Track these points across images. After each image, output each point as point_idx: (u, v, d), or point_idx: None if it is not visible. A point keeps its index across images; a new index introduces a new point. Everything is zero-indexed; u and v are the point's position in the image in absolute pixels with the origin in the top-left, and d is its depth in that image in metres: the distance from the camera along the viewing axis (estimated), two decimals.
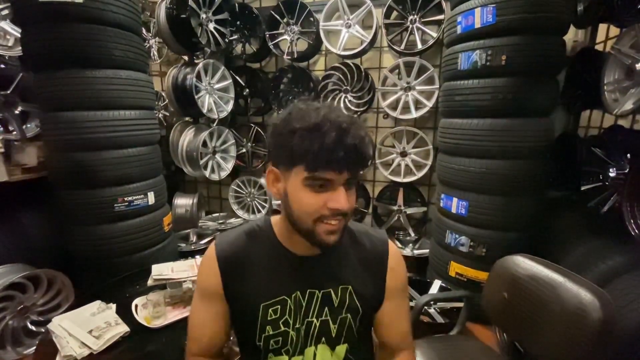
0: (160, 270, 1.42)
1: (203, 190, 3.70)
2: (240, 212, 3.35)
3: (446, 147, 1.99)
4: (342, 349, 0.74)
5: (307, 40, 2.79)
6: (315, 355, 0.73)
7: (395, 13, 2.49)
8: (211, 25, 2.64)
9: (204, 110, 2.66)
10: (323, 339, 0.73)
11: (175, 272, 1.43)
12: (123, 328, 1.25)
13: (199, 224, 3.21)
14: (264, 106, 3.12)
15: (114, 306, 1.41)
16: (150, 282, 1.37)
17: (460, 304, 1.62)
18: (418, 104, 2.54)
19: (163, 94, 3.29)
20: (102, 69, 1.77)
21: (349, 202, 0.63)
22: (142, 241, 2.05)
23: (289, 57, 2.78)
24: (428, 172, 2.70)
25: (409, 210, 2.82)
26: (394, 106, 2.61)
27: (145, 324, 1.27)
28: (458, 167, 1.88)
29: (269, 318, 0.70)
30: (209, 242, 2.84)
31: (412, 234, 2.81)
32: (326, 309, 0.72)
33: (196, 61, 2.76)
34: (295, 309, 0.71)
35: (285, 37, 2.79)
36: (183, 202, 3.21)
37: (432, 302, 1.91)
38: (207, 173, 2.83)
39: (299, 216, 0.64)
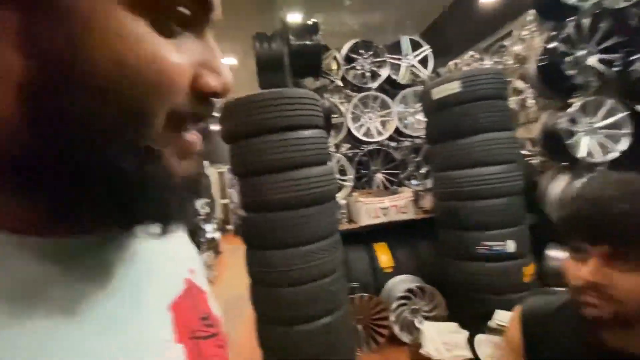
0: (502, 318, 1.52)
1: None
2: None
3: None
4: None
5: None
6: None
7: None
8: (592, 60, 2.34)
9: (579, 155, 2.36)
10: None
11: None
12: (467, 353, 1.51)
13: None
14: None
15: (466, 333, 1.71)
16: (490, 324, 1.53)
17: None
18: None
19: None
20: (469, 136, 2.21)
21: None
22: (499, 285, 2.19)
23: None
24: None
25: None
26: None
27: None
28: None
29: None
30: None
31: None
32: None
33: (573, 101, 2.53)
34: None
35: None
36: (558, 255, 2.91)
37: None
38: None
39: None
